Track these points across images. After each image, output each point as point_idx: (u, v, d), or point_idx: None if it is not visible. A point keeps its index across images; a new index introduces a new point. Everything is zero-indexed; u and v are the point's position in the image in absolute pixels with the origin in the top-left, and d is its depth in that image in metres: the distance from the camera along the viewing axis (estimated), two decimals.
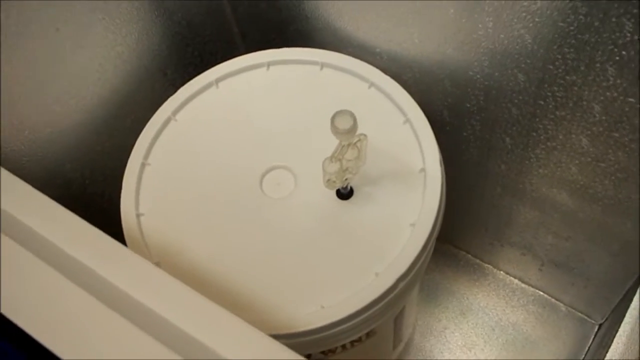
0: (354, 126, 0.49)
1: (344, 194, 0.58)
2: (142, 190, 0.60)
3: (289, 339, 0.52)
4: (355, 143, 0.52)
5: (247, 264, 0.55)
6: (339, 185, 0.55)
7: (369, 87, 0.63)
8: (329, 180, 0.54)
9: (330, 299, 0.53)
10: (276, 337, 0.51)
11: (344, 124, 0.49)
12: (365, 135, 0.52)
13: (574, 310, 0.89)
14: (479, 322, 0.89)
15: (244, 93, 0.65)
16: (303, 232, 0.57)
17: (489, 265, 0.93)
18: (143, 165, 0.61)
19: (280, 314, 0.52)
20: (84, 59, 0.61)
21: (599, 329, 0.86)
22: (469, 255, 0.94)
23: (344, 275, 0.54)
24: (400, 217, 0.56)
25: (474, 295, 0.91)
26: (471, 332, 0.88)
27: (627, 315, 0.60)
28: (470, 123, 0.67)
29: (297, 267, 0.55)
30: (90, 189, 0.67)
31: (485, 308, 0.90)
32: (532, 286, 0.91)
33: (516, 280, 0.91)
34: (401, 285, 0.54)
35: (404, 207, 0.57)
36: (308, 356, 0.62)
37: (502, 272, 0.92)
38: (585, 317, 0.88)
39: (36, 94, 0.57)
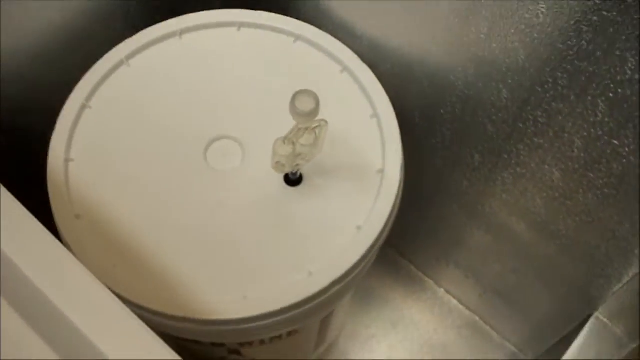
0: (315, 110, 0.44)
1: (292, 180, 0.53)
2: (76, 133, 0.55)
3: (204, 326, 0.48)
4: (313, 128, 0.47)
5: (174, 235, 0.51)
6: (288, 170, 0.51)
7: (342, 71, 0.58)
8: (277, 162, 0.50)
9: (256, 290, 0.48)
10: (190, 321, 0.47)
11: (304, 105, 0.44)
12: (325, 122, 0.48)
13: (507, 342, 0.86)
14: (409, 336, 0.85)
15: (208, 51, 0.60)
16: (241, 212, 0.52)
17: (430, 280, 0.89)
18: (83, 106, 0.56)
19: (199, 297, 0.48)
20: None
21: None
22: (412, 266, 0.90)
23: (275, 267, 0.50)
24: (347, 218, 0.52)
25: (409, 308, 0.87)
26: (399, 346, 0.85)
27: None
28: (441, 131, 0.62)
29: (227, 248, 0.51)
30: (20, 120, 0.61)
31: (418, 323, 0.86)
32: (470, 310, 0.87)
33: (455, 301, 0.88)
34: (335, 289, 0.50)
35: (353, 208, 0.52)
36: (222, 345, 0.58)
37: (442, 289, 0.89)
38: (517, 351, 0.85)
39: None
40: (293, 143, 0.48)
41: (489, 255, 0.73)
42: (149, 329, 0.33)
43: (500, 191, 0.63)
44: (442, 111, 0.60)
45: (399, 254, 0.90)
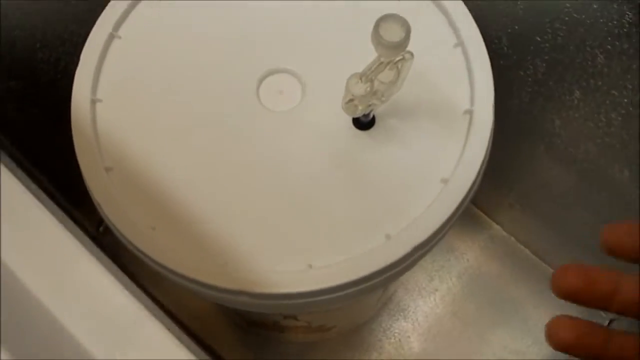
0: (405, 40, 0.35)
1: (364, 122, 0.44)
2: (104, 69, 0.47)
3: (262, 300, 0.40)
4: (396, 62, 0.38)
5: (224, 193, 0.43)
6: (360, 112, 0.42)
7: None
8: (350, 101, 0.41)
9: (323, 258, 0.40)
10: (246, 294, 0.39)
11: (392, 34, 0.35)
12: (411, 55, 0.38)
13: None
14: (477, 291, 0.77)
15: None
16: (302, 162, 0.44)
17: (499, 227, 0.80)
18: (112, 36, 0.47)
19: (257, 267, 0.40)
20: None
21: None
22: (481, 212, 0.80)
23: (345, 229, 0.42)
24: (430, 168, 0.43)
25: (476, 258, 0.79)
26: (465, 301, 0.76)
27: None
28: (533, 62, 0.53)
29: (287, 208, 0.42)
30: (42, 54, 0.53)
31: (487, 275, 0.78)
32: (546, 262, 0.78)
33: (527, 251, 0.79)
34: (417, 255, 0.41)
35: (437, 156, 0.44)
36: None
37: (513, 238, 0.79)
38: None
39: None
40: (371, 80, 0.38)
41: (577, 203, 0.64)
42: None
43: (603, 134, 0.53)
44: (538, 38, 0.50)
45: None
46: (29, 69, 0.53)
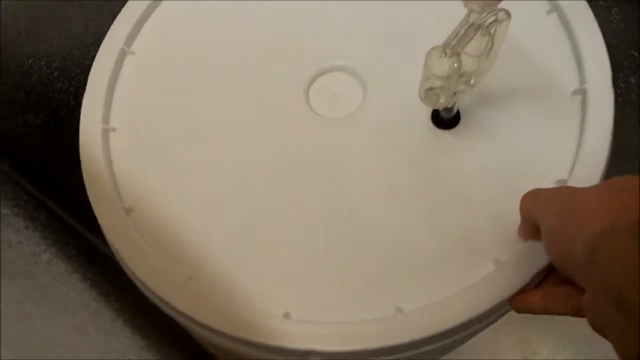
0: None
1: (446, 119, 0.36)
2: (117, 92, 0.40)
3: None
4: (487, 25, 0.28)
5: (272, 228, 0.34)
6: (443, 103, 0.32)
7: None
8: (430, 89, 0.31)
9: (414, 298, 0.31)
10: (320, 354, 0.30)
11: None
12: (507, 14, 0.28)
13: None
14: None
15: None
16: (373, 180, 0.35)
17: None
18: (123, 52, 0.41)
19: (327, 317, 0.31)
20: None
21: None
22: None
23: (438, 260, 0.33)
24: (540, 169, 0.34)
25: None
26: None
27: None
28: None
29: (359, 240, 0.34)
30: (61, 84, 0.45)
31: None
32: None
33: None
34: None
35: (546, 153, 0.34)
36: None
37: None
38: None
39: None
40: (457, 53, 0.28)
41: None
42: None
43: None
44: None
45: None
46: (46, 100, 0.45)
